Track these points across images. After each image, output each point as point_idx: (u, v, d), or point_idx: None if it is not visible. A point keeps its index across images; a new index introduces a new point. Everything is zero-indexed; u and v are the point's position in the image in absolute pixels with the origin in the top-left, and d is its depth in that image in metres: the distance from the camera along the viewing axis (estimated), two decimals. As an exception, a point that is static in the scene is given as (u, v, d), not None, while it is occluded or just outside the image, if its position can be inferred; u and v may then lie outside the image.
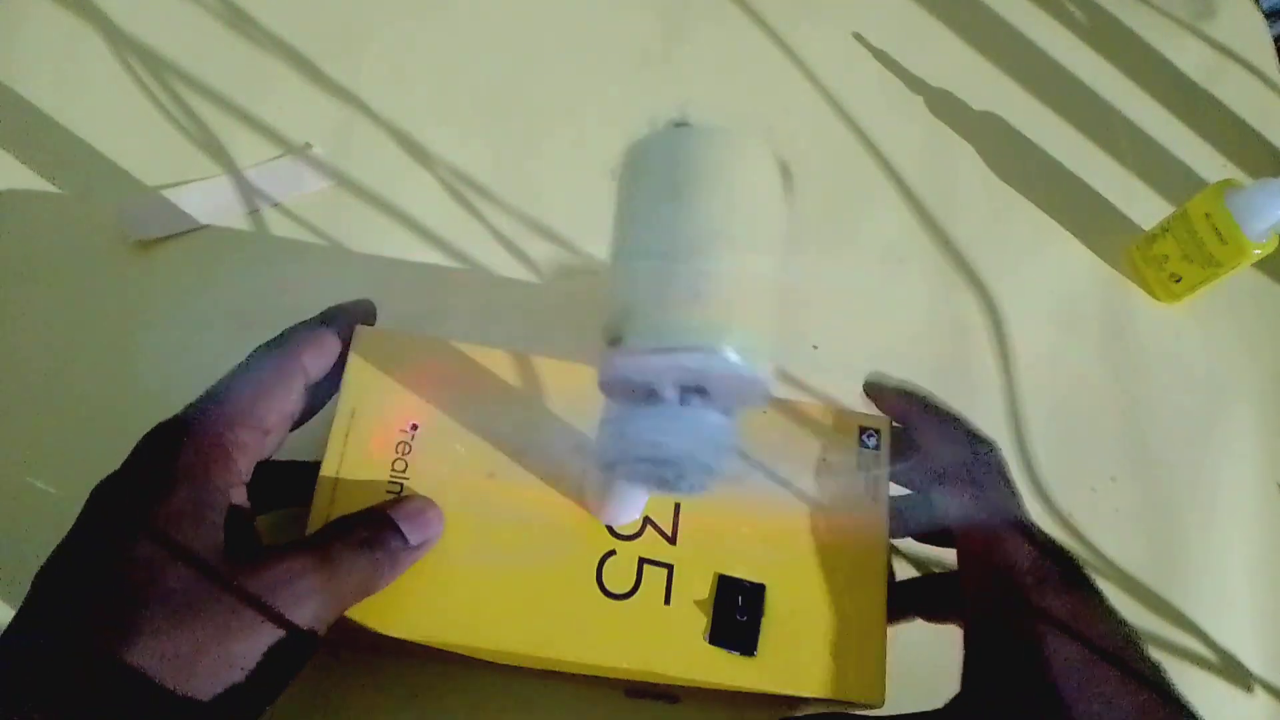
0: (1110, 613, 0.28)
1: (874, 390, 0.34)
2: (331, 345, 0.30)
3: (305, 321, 0.31)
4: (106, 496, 0.26)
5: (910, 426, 0.33)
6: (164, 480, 0.25)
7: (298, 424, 0.33)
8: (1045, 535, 0.29)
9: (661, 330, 0.19)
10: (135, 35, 0.47)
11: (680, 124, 0.20)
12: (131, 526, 0.24)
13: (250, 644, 0.24)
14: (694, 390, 0.20)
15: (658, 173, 0.20)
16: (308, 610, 0.25)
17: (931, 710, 0.28)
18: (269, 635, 0.24)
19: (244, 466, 0.27)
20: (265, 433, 0.28)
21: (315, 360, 0.29)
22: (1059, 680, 0.25)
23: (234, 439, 0.27)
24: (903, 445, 0.33)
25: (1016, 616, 0.27)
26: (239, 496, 0.27)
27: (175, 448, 0.26)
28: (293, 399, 0.29)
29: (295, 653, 0.25)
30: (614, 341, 0.19)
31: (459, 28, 0.50)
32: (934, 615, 0.34)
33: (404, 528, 0.28)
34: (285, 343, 0.29)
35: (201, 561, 0.24)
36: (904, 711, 0.28)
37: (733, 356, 0.18)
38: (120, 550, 0.24)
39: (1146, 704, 0.26)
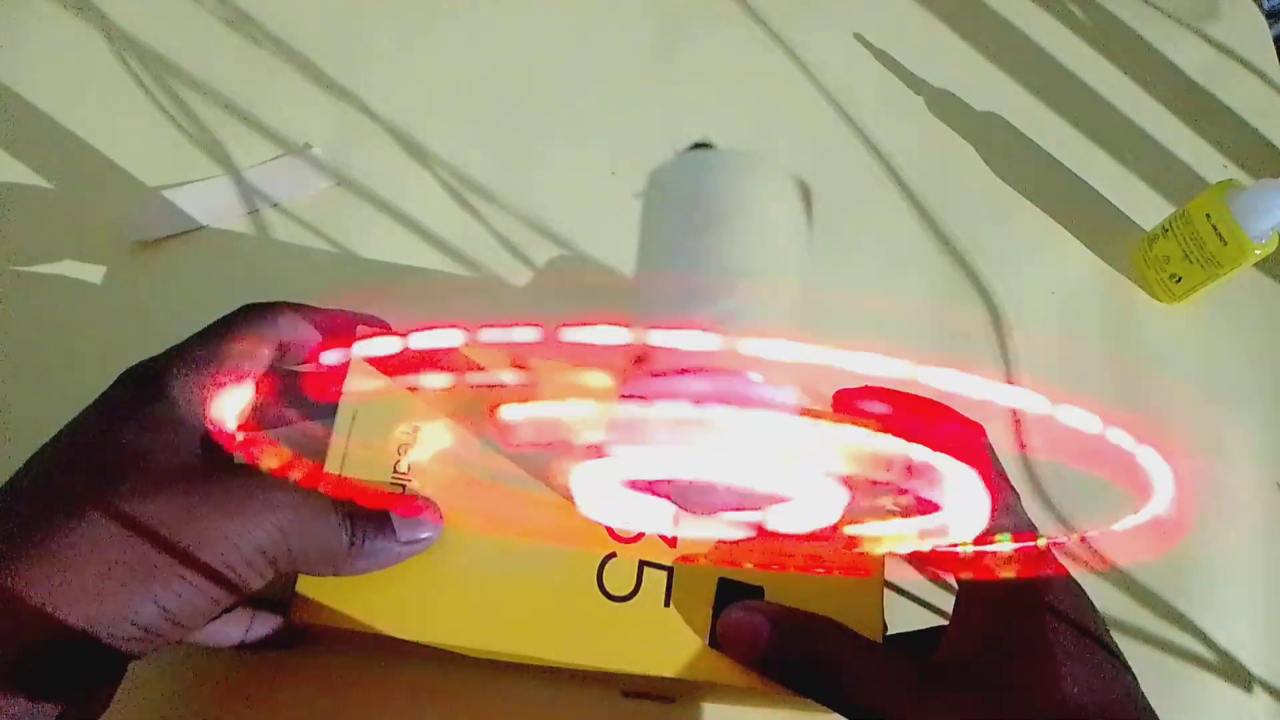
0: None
1: (846, 397, 0.34)
2: (310, 323, 0.31)
3: None
4: (84, 414, 0.27)
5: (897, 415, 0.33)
6: (144, 396, 0.26)
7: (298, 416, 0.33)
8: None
9: (687, 350, 0.19)
10: (135, 35, 0.47)
11: (704, 145, 0.20)
12: (115, 420, 0.26)
13: (215, 533, 0.24)
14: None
15: (687, 198, 0.20)
16: (268, 524, 0.25)
17: (923, 631, 0.30)
18: (231, 531, 0.25)
19: (221, 403, 0.28)
20: (238, 377, 0.28)
21: (291, 328, 0.30)
22: (1054, 639, 0.27)
23: (209, 375, 0.28)
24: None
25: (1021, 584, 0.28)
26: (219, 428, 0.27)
27: (154, 375, 0.27)
28: (265, 352, 0.30)
29: (241, 570, 0.25)
30: (640, 360, 0.19)
31: (459, 28, 0.50)
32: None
33: (395, 522, 0.28)
34: (265, 303, 0.31)
35: (179, 449, 0.26)
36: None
37: (758, 379, 0.19)
38: (102, 436, 0.25)
39: (1118, 672, 0.28)
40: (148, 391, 0.27)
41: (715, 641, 0.30)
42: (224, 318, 0.30)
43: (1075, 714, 0.25)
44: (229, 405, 0.28)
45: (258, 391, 0.31)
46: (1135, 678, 0.28)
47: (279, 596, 0.29)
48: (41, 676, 0.23)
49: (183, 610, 0.24)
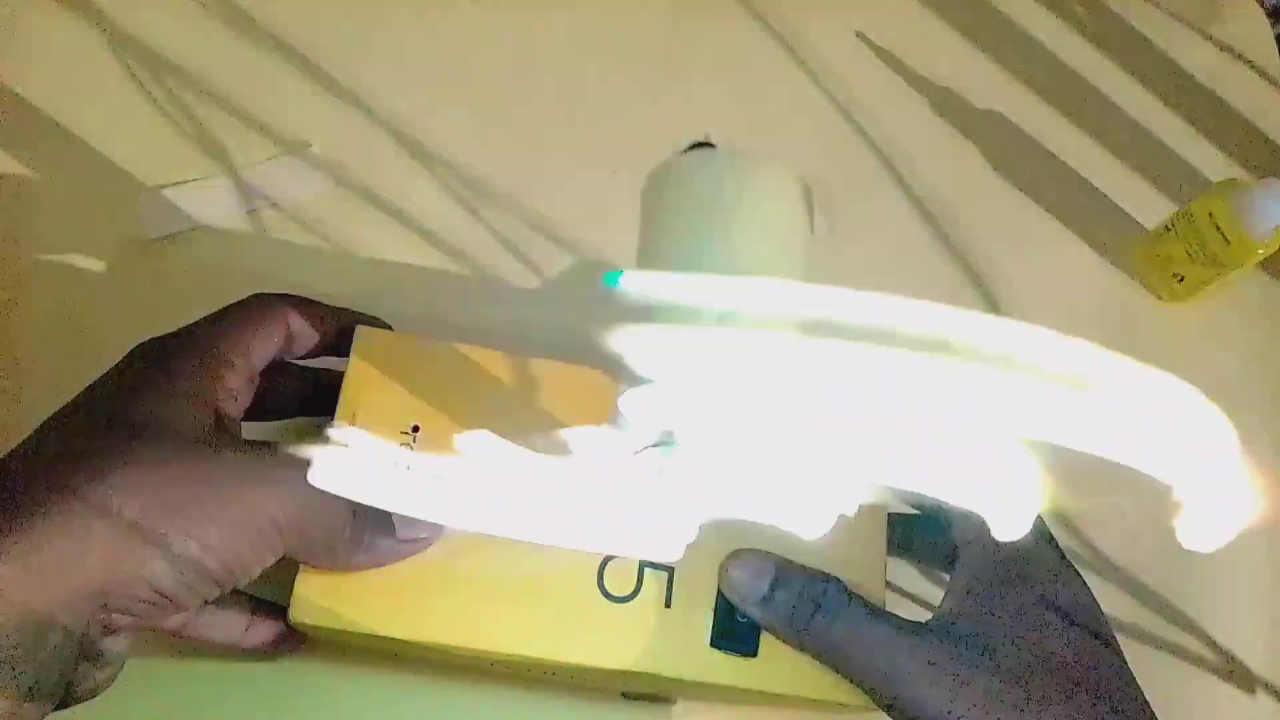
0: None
1: None
2: (316, 317, 0.31)
3: None
4: (100, 382, 0.27)
5: None
6: (160, 369, 0.27)
7: (295, 411, 0.34)
8: None
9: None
10: (135, 35, 0.47)
11: (704, 144, 0.20)
12: (133, 388, 0.26)
13: (233, 500, 0.25)
14: None
15: (685, 198, 0.20)
16: (284, 498, 0.25)
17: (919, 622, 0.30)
18: (249, 499, 0.25)
19: (232, 384, 0.28)
20: (248, 362, 0.29)
21: (298, 320, 0.31)
22: (1044, 605, 0.28)
23: (220, 355, 0.28)
24: None
25: (1011, 559, 0.29)
26: (230, 409, 0.28)
27: (169, 350, 0.28)
28: (274, 340, 0.30)
29: (255, 540, 0.25)
30: None
31: (460, 26, 0.50)
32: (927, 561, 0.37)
33: (395, 520, 0.28)
34: (273, 293, 0.31)
35: (196, 420, 0.26)
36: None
37: None
38: (122, 402, 0.26)
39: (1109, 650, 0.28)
40: (164, 365, 0.27)
41: (716, 642, 0.30)
42: (234, 304, 0.30)
43: (1060, 671, 0.26)
44: (239, 387, 0.29)
45: (263, 380, 0.31)
46: (1126, 662, 0.28)
47: (279, 601, 0.29)
48: (51, 638, 0.23)
49: (198, 576, 0.24)
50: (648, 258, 0.20)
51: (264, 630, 0.30)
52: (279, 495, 0.25)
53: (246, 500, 0.25)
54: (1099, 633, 0.28)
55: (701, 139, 0.21)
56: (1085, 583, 0.29)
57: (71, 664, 0.23)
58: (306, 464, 0.27)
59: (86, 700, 0.25)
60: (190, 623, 0.28)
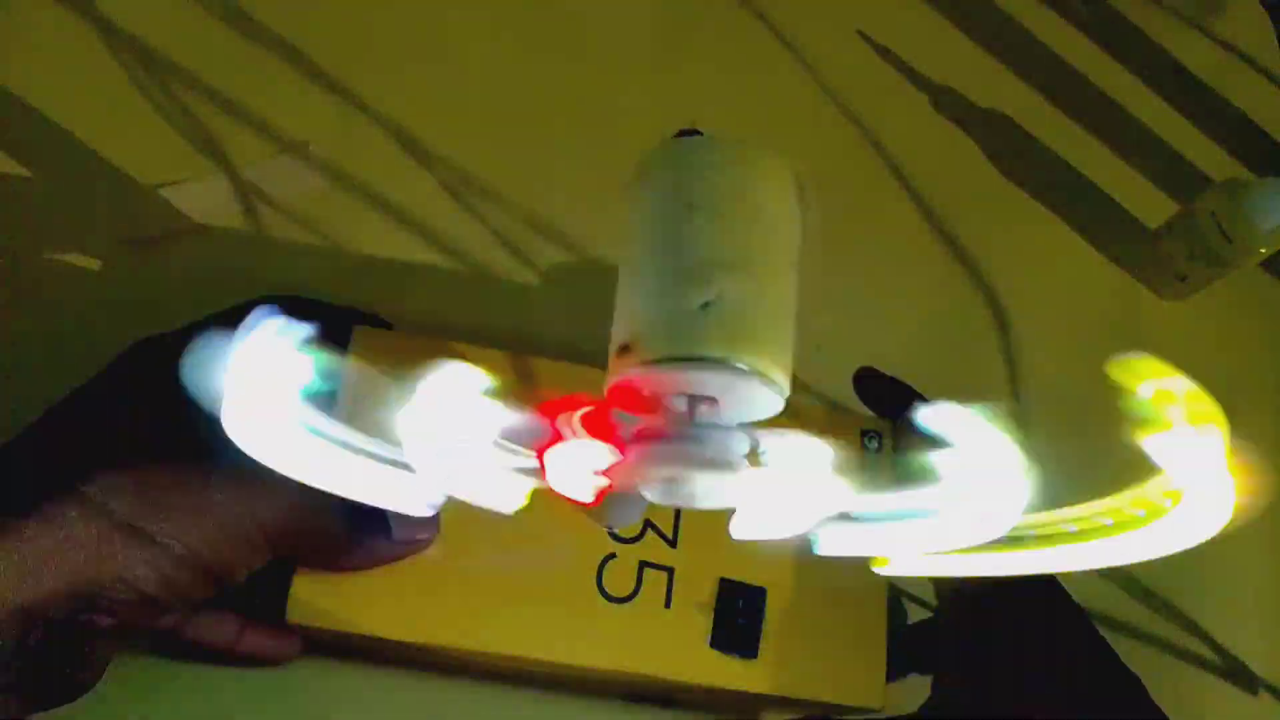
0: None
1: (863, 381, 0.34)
2: (313, 317, 0.31)
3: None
4: (95, 380, 0.27)
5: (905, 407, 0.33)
6: (156, 368, 0.26)
7: None
8: None
9: (673, 340, 0.18)
10: (133, 33, 0.46)
11: (693, 132, 0.20)
12: (127, 387, 0.26)
13: (220, 505, 0.25)
14: (704, 400, 0.19)
15: (673, 184, 0.19)
16: (275, 503, 0.25)
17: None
18: (237, 504, 0.25)
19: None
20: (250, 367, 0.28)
21: (295, 320, 0.30)
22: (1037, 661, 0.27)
23: (220, 359, 0.27)
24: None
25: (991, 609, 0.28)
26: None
27: (166, 349, 0.27)
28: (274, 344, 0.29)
29: (240, 545, 0.25)
30: (624, 350, 0.19)
31: (459, 25, 0.50)
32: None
33: (391, 520, 0.28)
34: (277, 295, 0.30)
35: (189, 422, 0.25)
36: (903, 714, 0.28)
37: (744, 368, 0.18)
38: (115, 401, 0.26)
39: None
40: (160, 364, 0.27)
41: (716, 642, 0.30)
42: (235, 305, 0.30)
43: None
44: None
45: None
46: (1118, 669, 0.28)
47: (275, 603, 0.29)
48: (34, 634, 0.23)
49: (182, 578, 0.24)
50: (632, 245, 0.20)
51: (259, 634, 0.30)
52: (268, 499, 0.25)
53: (234, 504, 0.25)
54: (1114, 686, 0.27)
55: (689, 126, 0.20)
56: (1092, 627, 0.28)
57: (55, 662, 0.23)
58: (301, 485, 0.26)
59: (71, 700, 0.25)
60: (183, 625, 0.28)
